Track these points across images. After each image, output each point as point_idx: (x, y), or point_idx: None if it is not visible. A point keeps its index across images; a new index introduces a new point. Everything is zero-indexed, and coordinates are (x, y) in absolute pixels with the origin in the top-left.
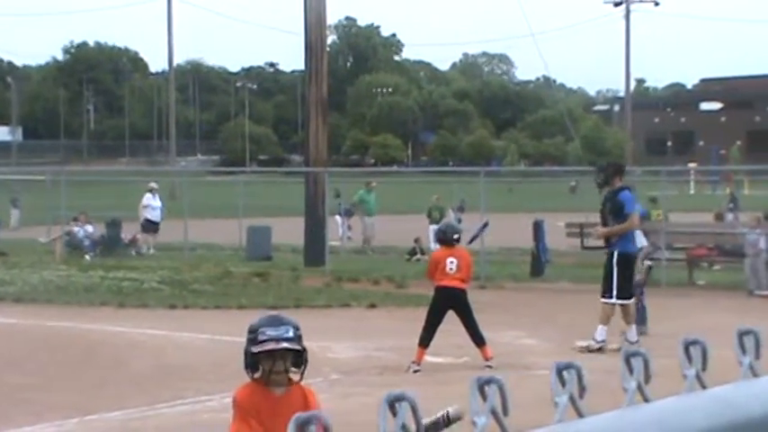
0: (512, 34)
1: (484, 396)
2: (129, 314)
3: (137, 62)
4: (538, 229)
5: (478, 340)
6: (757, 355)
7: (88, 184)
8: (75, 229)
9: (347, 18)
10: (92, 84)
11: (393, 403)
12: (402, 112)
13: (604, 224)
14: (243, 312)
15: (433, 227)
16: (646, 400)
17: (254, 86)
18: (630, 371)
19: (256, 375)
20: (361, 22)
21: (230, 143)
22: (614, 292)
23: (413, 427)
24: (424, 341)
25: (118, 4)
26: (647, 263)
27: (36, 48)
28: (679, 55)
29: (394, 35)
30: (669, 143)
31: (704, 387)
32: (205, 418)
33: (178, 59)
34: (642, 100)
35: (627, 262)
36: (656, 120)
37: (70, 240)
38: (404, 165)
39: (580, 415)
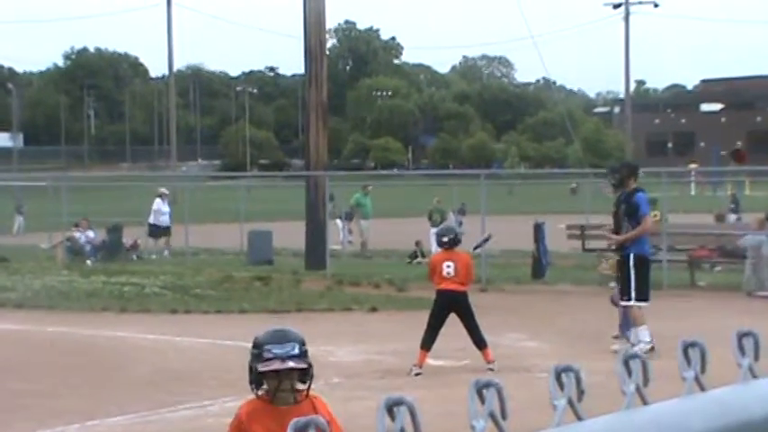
0: (511, 37)
1: (482, 399)
2: (130, 319)
3: (137, 67)
4: (538, 231)
5: (480, 343)
6: (756, 357)
7: (89, 189)
8: (77, 234)
9: (347, 22)
10: (92, 89)
11: (391, 407)
12: (402, 116)
13: (618, 226)
14: (244, 317)
15: (434, 230)
16: (644, 402)
17: (255, 91)
18: (629, 373)
19: (261, 393)
20: (361, 26)
21: (231, 148)
22: (633, 294)
23: (411, 431)
24: (426, 344)
25: (118, 9)
26: None
27: (37, 54)
28: (679, 56)
29: (393, 38)
30: (670, 144)
31: (703, 389)
32: (208, 422)
33: (178, 64)
34: (642, 101)
35: (642, 263)
36: (657, 121)
37: (72, 246)
38: (404, 168)
39: (579, 418)
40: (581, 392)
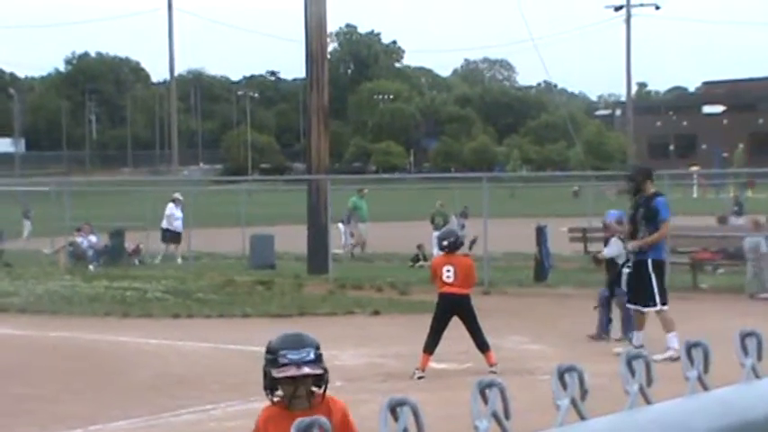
0: (513, 40)
1: (485, 400)
2: (133, 324)
3: (138, 72)
4: (541, 234)
5: (482, 346)
6: (759, 357)
7: (91, 194)
8: (79, 239)
9: (348, 25)
10: (94, 94)
11: (394, 408)
12: (404, 119)
13: (635, 230)
14: (247, 321)
15: (437, 233)
16: (648, 402)
17: (256, 95)
18: (632, 373)
19: (276, 399)
20: (362, 30)
21: (232, 152)
22: (657, 299)
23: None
24: (429, 348)
25: (119, 14)
26: (626, 270)
27: (38, 59)
28: (680, 58)
29: (395, 42)
30: (671, 147)
31: (706, 389)
32: (210, 427)
33: (179, 69)
34: (644, 104)
35: (660, 268)
36: (659, 123)
37: (74, 251)
38: (406, 171)
39: (582, 418)
40: (584, 392)
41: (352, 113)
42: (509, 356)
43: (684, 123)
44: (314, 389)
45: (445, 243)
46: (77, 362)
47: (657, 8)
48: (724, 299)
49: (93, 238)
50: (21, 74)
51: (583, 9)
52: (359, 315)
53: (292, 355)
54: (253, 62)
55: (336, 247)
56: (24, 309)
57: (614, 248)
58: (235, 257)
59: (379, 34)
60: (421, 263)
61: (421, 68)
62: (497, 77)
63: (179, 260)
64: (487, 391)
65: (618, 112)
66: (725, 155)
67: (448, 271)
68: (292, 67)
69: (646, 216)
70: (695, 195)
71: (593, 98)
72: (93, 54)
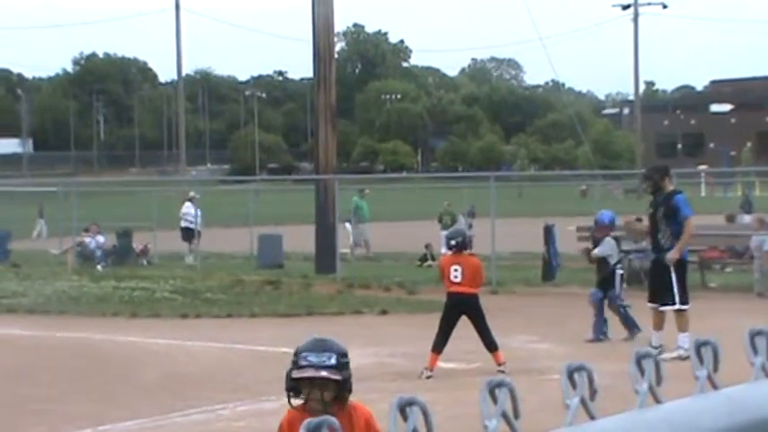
0: (520, 39)
1: (495, 399)
2: (141, 324)
3: (146, 72)
4: (548, 233)
5: (491, 345)
6: None
7: (99, 194)
8: (87, 239)
9: (355, 25)
10: (101, 95)
11: (404, 408)
12: (411, 119)
13: (655, 229)
14: (255, 321)
15: (444, 232)
16: (657, 401)
17: (263, 95)
18: (642, 373)
19: (296, 402)
20: (369, 29)
21: (240, 152)
22: (677, 299)
23: (424, 431)
24: (437, 347)
25: (126, 15)
26: (619, 271)
27: (46, 60)
28: (688, 57)
29: (402, 41)
30: (679, 145)
31: (716, 388)
32: (219, 426)
33: (187, 69)
34: (652, 102)
35: (682, 267)
36: (666, 122)
37: (82, 251)
38: (414, 171)
39: (591, 417)
40: (593, 391)
41: (360, 113)
42: (517, 356)
43: (692, 122)
44: (327, 396)
45: (453, 242)
46: (85, 362)
47: (665, 7)
48: (732, 297)
49: (100, 239)
50: (28, 74)
51: (590, 8)
52: (367, 315)
53: (312, 358)
54: (260, 62)
55: (344, 247)
56: (32, 309)
57: (606, 248)
58: (243, 257)
59: (386, 34)
60: (429, 262)
61: (428, 68)
62: (505, 77)
63: (191, 258)
64: (497, 390)
65: (625, 110)
66: (732, 153)
67: (455, 270)
68: (300, 66)
69: (666, 214)
70: (703, 194)
71: (601, 97)
72: (100, 54)
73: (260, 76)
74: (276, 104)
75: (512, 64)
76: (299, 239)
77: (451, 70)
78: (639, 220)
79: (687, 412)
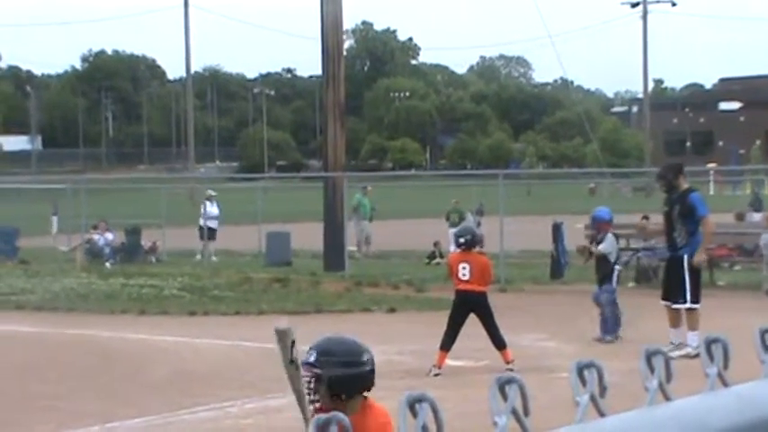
0: (529, 36)
1: (504, 396)
2: (149, 321)
3: (155, 70)
4: (557, 231)
5: (499, 343)
6: None
7: (108, 191)
8: (96, 236)
9: (364, 22)
10: (110, 92)
11: (413, 404)
12: (420, 116)
13: (670, 227)
14: (263, 318)
15: (453, 230)
16: (667, 399)
17: (272, 92)
18: (651, 370)
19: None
20: (378, 27)
21: (249, 149)
22: (688, 297)
23: (433, 427)
24: (446, 345)
25: (135, 12)
26: (618, 268)
27: (55, 57)
28: (697, 55)
29: (411, 39)
30: (688, 144)
31: (726, 385)
32: (227, 424)
33: (196, 66)
34: (660, 100)
35: (696, 266)
36: (675, 120)
37: (90, 248)
38: (422, 168)
39: (601, 414)
40: (603, 388)
41: (369, 111)
42: (526, 354)
43: (701, 120)
44: (341, 395)
45: (462, 240)
46: (94, 359)
47: (674, 4)
48: (741, 296)
49: (109, 236)
50: (37, 71)
51: (599, 5)
52: (375, 312)
53: (304, 355)
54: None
55: (352, 245)
56: (41, 306)
57: (609, 244)
58: (251, 255)
59: (395, 31)
60: (437, 260)
61: (437, 65)
62: (513, 74)
63: (212, 258)
64: (507, 387)
65: (634, 108)
66: (741, 152)
67: (464, 268)
68: (308, 64)
69: (681, 213)
70: (712, 192)
71: (610, 95)
72: (109, 52)
73: (269, 74)
74: (285, 102)
75: (520, 62)
76: (308, 237)
77: (460, 68)
78: (646, 218)
79: (697, 410)
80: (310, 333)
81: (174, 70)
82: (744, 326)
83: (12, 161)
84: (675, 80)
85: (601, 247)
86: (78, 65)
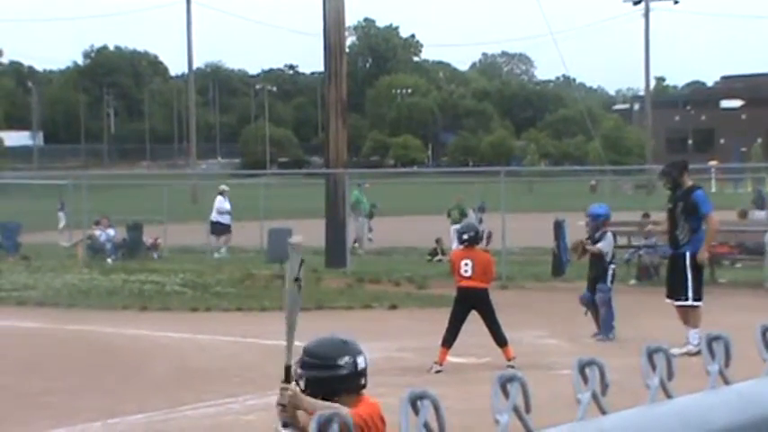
0: (531, 34)
1: (506, 394)
2: (151, 317)
3: (156, 66)
4: (558, 228)
5: (500, 340)
6: None
7: (109, 187)
8: (97, 232)
9: (366, 19)
10: (112, 88)
11: (415, 401)
12: (422, 113)
13: (673, 225)
14: (265, 314)
15: (455, 227)
16: (669, 396)
17: (274, 89)
18: (653, 367)
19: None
20: (380, 24)
21: (250, 146)
22: (690, 294)
23: (435, 425)
24: (447, 342)
25: (137, 8)
26: (612, 267)
27: (56, 52)
28: (699, 52)
29: (413, 36)
30: (690, 141)
31: (727, 383)
32: (228, 420)
33: (198, 63)
34: (662, 98)
35: (699, 264)
36: (677, 118)
37: (92, 244)
38: (424, 165)
39: (603, 412)
40: (605, 386)
41: (371, 107)
42: (527, 351)
43: (702, 118)
44: (318, 395)
45: (465, 237)
46: (95, 355)
47: (676, 2)
48: (742, 293)
49: (111, 232)
50: (39, 67)
51: (602, 3)
52: (376, 309)
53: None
54: (271, 56)
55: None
56: (42, 302)
57: (608, 244)
58: (253, 251)
59: (397, 28)
60: (439, 257)
61: (439, 62)
62: (515, 71)
63: (222, 250)
64: (508, 385)
65: (636, 106)
66: (743, 149)
67: (466, 264)
68: (310, 60)
69: (685, 210)
70: (713, 189)
71: (612, 92)
72: (111, 47)
73: (271, 70)
74: (287, 98)
75: (523, 59)
76: (309, 233)
77: (462, 65)
78: (647, 216)
79: (698, 407)
80: (311, 330)
81: (176, 66)
82: (745, 323)
83: (13, 157)
84: (677, 78)
85: (600, 245)
86: (80, 60)
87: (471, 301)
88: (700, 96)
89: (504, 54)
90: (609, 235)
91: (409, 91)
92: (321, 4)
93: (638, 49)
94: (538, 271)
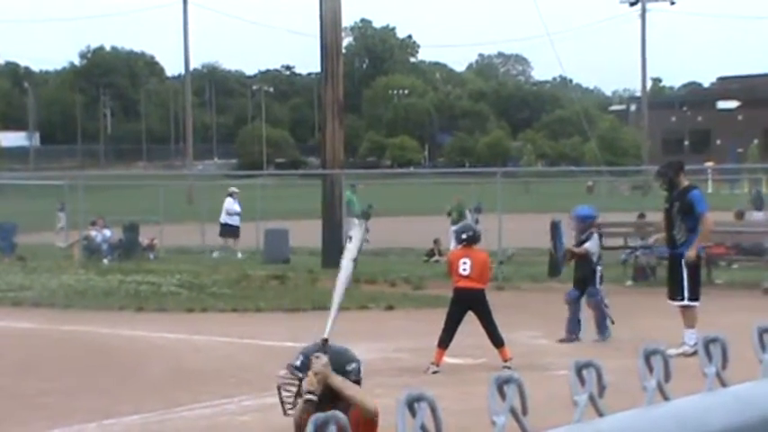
0: (528, 35)
1: (503, 395)
2: (147, 318)
3: (153, 66)
4: (555, 229)
5: (497, 341)
6: None
7: (105, 188)
8: (93, 233)
9: (363, 20)
10: (108, 88)
11: (412, 403)
12: (418, 114)
13: (670, 225)
14: (261, 315)
15: (453, 227)
16: (666, 398)
17: (271, 89)
18: (650, 369)
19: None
20: (377, 24)
21: (247, 146)
22: (685, 294)
23: (432, 427)
24: (443, 342)
25: (133, 8)
26: (599, 268)
27: (53, 53)
28: (695, 53)
29: (410, 36)
30: (686, 142)
31: (724, 385)
32: (224, 421)
33: (194, 63)
34: (658, 99)
35: (695, 263)
36: (673, 119)
37: (88, 245)
38: (421, 166)
39: (600, 414)
40: (602, 388)
41: (367, 108)
42: (523, 352)
43: (699, 119)
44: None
45: (464, 236)
46: (91, 356)
47: (672, 3)
48: (739, 294)
49: (107, 232)
50: (35, 68)
51: (598, 4)
52: (373, 310)
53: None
54: (267, 56)
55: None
56: (38, 302)
57: (594, 245)
58: (249, 252)
59: (394, 29)
60: (436, 257)
61: (436, 63)
62: (512, 72)
63: (239, 255)
64: (505, 386)
65: (632, 107)
66: (739, 150)
67: (464, 263)
68: (307, 61)
69: (681, 210)
70: (710, 190)
71: (608, 93)
72: (107, 48)
73: (267, 71)
74: (283, 99)
75: (519, 60)
76: (306, 234)
77: (459, 66)
78: (643, 216)
79: (695, 409)
80: (307, 330)
81: (172, 67)
82: (742, 325)
83: (9, 157)
84: (674, 79)
85: (588, 245)
86: (77, 61)
87: (468, 302)
88: (696, 97)
89: (500, 55)
90: (595, 236)
91: (406, 92)
92: (318, 5)
93: (635, 50)
94: (534, 272)
